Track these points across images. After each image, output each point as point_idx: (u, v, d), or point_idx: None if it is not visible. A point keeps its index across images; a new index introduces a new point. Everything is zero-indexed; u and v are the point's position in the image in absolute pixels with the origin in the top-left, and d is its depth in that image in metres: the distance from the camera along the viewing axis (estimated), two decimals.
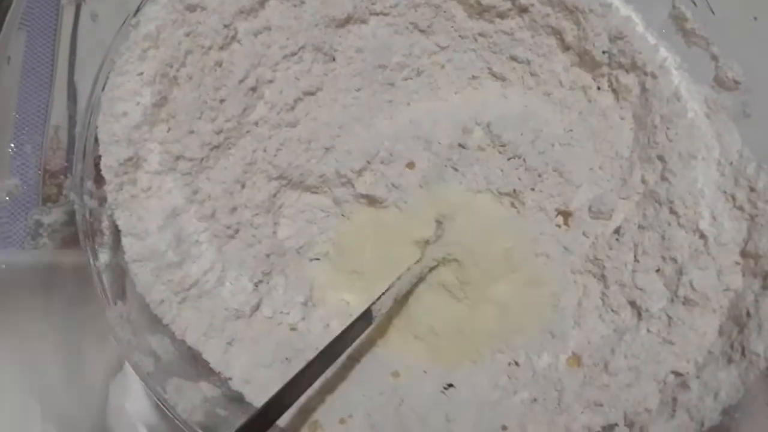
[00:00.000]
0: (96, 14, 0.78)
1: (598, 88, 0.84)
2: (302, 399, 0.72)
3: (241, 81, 0.79)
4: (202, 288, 0.78)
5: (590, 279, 0.81)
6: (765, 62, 0.74)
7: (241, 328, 0.79)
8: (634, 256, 0.78)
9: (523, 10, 0.83)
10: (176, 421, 0.72)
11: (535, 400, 0.77)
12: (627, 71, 0.81)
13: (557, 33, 0.83)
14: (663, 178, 0.78)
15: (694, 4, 0.78)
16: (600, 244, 0.81)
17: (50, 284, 0.73)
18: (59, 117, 0.76)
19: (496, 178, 0.83)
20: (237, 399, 0.77)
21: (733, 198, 0.74)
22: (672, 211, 0.76)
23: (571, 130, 0.84)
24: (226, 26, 0.77)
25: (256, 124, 0.81)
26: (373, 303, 0.76)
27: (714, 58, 0.78)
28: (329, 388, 0.79)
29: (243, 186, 0.81)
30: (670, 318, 0.74)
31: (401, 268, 0.81)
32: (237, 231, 0.81)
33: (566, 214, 0.84)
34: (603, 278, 0.80)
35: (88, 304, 0.74)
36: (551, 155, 0.82)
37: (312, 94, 0.83)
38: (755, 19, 0.74)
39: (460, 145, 0.84)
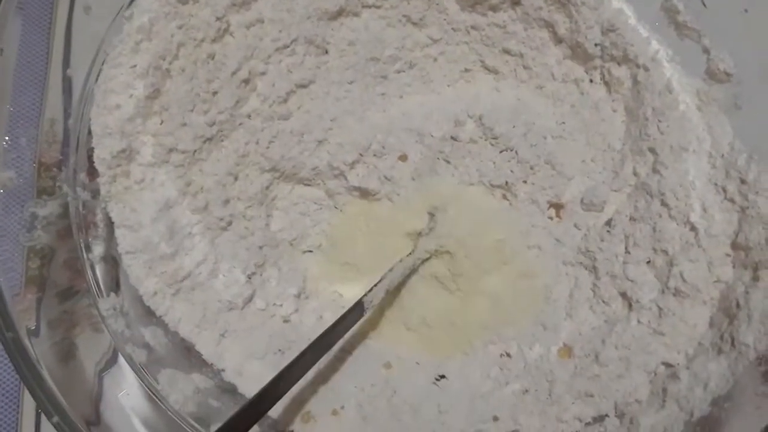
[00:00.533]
0: (89, 6, 0.78)
1: (591, 81, 0.84)
2: (295, 390, 0.73)
3: (234, 73, 0.79)
4: (195, 280, 0.78)
5: (582, 271, 0.82)
6: (756, 54, 0.74)
7: (234, 319, 0.79)
8: (626, 248, 0.78)
9: (516, 2, 0.83)
10: (169, 412, 0.72)
11: (526, 391, 0.78)
12: (619, 64, 0.81)
13: (550, 26, 0.83)
14: (654, 171, 0.78)
15: None
16: (592, 236, 0.81)
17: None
18: (54, 110, 0.76)
19: (489, 170, 0.83)
20: (230, 390, 0.77)
21: (724, 190, 0.74)
22: (663, 203, 0.76)
23: (563, 123, 0.84)
24: (218, 19, 0.77)
25: (249, 116, 0.81)
26: (365, 294, 0.77)
27: (705, 50, 0.78)
28: (322, 379, 0.80)
29: (236, 178, 0.82)
30: (660, 309, 0.74)
31: (394, 260, 0.82)
32: (230, 223, 0.81)
33: (558, 207, 0.84)
34: (594, 270, 0.80)
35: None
36: (543, 148, 0.82)
37: (305, 86, 0.84)
38: (746, 11, 0.74)
39: (453, 138, 0.84)
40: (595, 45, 0.81)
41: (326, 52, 0.84)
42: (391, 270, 0.80)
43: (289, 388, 0.69)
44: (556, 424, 0.74)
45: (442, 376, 0.81)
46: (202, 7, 0.77)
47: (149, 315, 0.76)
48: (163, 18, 0.75)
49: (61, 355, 0.71)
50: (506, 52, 0.86)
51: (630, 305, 0.77)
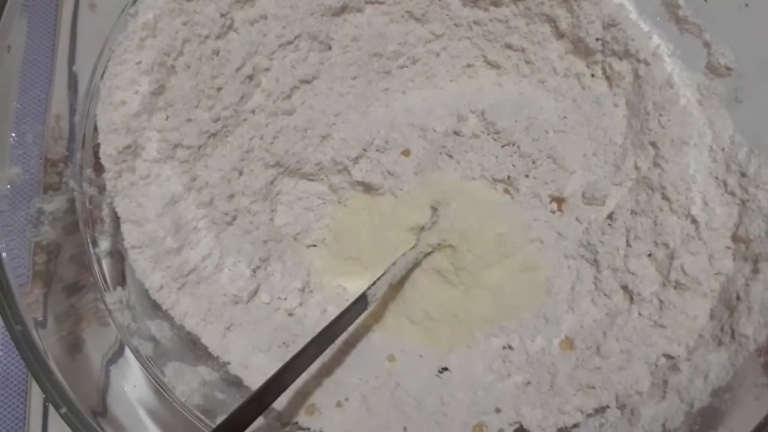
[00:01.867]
0: (94, 4, 0.79)
1: (592, 76, 0.85)
2: (299, 382, 0.74)
3: (238, 69, 0.79)
4: (201, 274, 0.79)
5: (583, 264, 0.82)
6: (756, 48, 0.74)
7: (239, 313, 0.80)
8: (627, 241, 0.78)
9: None
10: (175, 404, 0.73)
11: (528, 383, 0.78)
12: (620, 58, 0.82)
13: (551, 21, 0.84)
14: (655, 165, 0.79)
15: None
16: (593, 229, 0.82)
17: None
18: (60, 106, 0.77)
19: (491, 165, 0.84)
20: (235, 383, 0.78)
21: (725, 183, 0.75)
22: (664, 197, 0.77)
23: (565, 117, 0.85)
24: (222, 15, 0.78)
25: (253, 112, 0.82)
26: (369, 288, 0.77)
27: (706, 44, 0.78)
28: (326, 372, 0.80)
29: (240, 173, 0.82)
30: (661, 302, 0.75)
31: (397, 254, 0.82)
32: (235, 218, 0.82)
33: (560, 200, 0.84)
34: (596, 263, 0.81)
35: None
36: (545, 142, 0.83)
37: (308, 82, 0.84)
38: (746, 5, 0.74)
39: (455, 133, 0.84)
40: (597, 40, 0.82)
41: (329, 48, 0.85)
42: (394, 264, 0.80)
43: (293, 381, 0.70)
44: (557, 415, 0.74)
45: (445, 369, 0.82)
46: (207, 3, 0.78)
47: (155, 308, 0.77)
48: (168, 15, 0.76)
49: (68, 348, 0.71)
50: (508, 47, 0.86)
51: (631, 298, 0.77)
